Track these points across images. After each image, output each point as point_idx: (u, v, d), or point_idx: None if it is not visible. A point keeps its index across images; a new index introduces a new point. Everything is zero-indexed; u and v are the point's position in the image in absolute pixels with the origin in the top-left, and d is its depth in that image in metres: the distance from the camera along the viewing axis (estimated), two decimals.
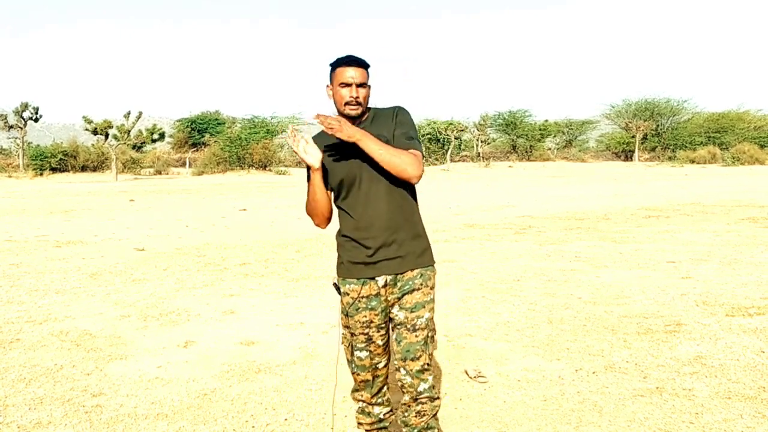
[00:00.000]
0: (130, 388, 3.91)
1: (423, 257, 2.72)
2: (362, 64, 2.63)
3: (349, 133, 2.52)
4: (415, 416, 2.70)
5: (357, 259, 2.69)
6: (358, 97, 2.61)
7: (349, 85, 2.60)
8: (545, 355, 4.42)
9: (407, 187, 2.70)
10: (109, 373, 4.17)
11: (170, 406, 3.65)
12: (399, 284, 2.68)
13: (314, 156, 2.62)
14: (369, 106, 2.73)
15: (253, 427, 3.39)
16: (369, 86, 2.68)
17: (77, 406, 3.64)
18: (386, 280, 2.68)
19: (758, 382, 3.87)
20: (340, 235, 2.76)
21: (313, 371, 4.19)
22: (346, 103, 2.62)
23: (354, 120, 2.65)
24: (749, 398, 3.64)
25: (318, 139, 2.74)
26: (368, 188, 2.64)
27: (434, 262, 2.79)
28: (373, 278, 2.68)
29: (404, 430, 2.76)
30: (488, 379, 4.00)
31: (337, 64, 2.64)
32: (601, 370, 4.13)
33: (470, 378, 4.02)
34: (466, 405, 3.65)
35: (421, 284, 2.69)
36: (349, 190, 2.67)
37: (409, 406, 2.71)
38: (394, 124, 2.68)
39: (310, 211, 2.77)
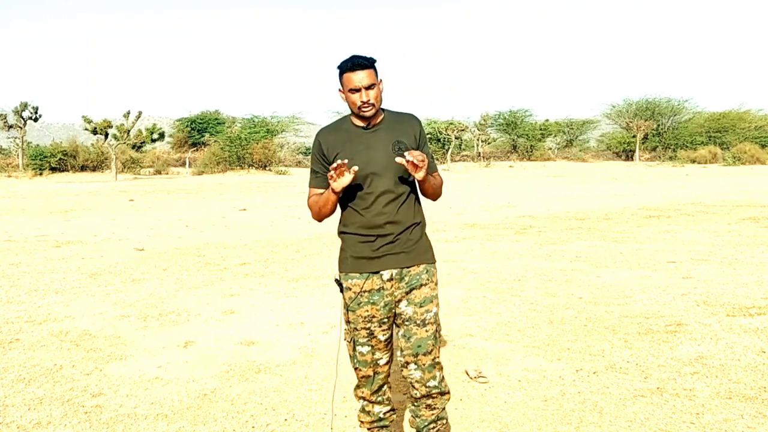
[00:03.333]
0: (130, 388, 3.90)
1: (427, 254, 2.81)
2: (366, 65, 2.65)
3: (423, 176, 2.66)
4: (426, 408, 2.76)
5: (362, 253, 2.74)
6: (369, 100, 2.66)
7: (358, 90, 2.64)
8: (546, 355, 4.42)
9: (413, 190, 2.79)
10: (109, 373, 4.17)
11: (170, 406, 3.64)
12: (406, 279, 2.74)
13: (345, 184, 2.63)
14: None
15: (253, 427, 3.38)
16: (380, 81, 2.70)
17: (77, 407, 3.63)
18: (392, 274, 2.73)
19: (759, 382, 3.86)
20: (344, 231, 2.81)
21: (313, 371, 4.18)
22: (359, 108, 2.67)
23: (369, 119, 2.71)
24: (750, 398, 3.63)
25: (331, 133, 2.79)
26: (378, 187, 2.70)
27: (435, 260, 2.87)
28: (377, 272, 2.73)
29: (416, 421, 2.80)
30: (489, 380, 3.99)
31: (342, 70, 2.67)
32: (601, 370, 4.12)
33: (471, 378, 4.02)
34: (467, 405, 3.64)
35: (428, 279, 2.77)
36: (359, 187, 2.71)
37: (417, 399, 2.76)
38: (419, 141, 2.78)
39: (316, 213, 2.82)
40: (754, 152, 43.14)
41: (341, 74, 2.68)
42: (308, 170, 2.97)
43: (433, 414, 2.76)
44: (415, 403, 2.79)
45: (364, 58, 2.67)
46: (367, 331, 2.76)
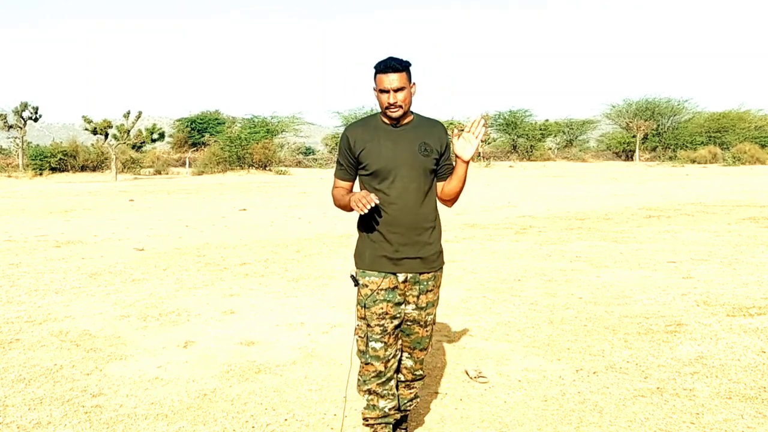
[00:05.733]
0: (130, 389, 3.90)
1: (438, 261, 2.96)
2: (398, 69, 2.75)
3: (474, 155, 2.81)
4: (405, 388, 3.10)
5: (380, 253, 2.85)
6: (396, 102, 2.77)
7: (387, 91, 2.75)
8: (546, 355, 4.42)
9: (433, 191, 2.93)
10: (109, 373, 4.17)
11: (170, 406, 3.64)
12: (418, 284, 2.90)
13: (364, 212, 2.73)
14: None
15: (253, 427, 3.38)
16: (413, 84, 2.81)
17: (77, 407, 3.63)
18: (407, 277, 2.88)
19: (759, 382, 3.87)
20: (363, 225, 2.90)
21: (313, 371, 4.18)
22: (386, 108, 2.79)
23: (397, 120, 2.82)
24: (750, 398, 3.63)
25: (359, 128, 2.89)
26: (400, 185, 2.81)
27: (444, 263, 3.02)
28: (394, 273, 2.85)
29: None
30: (489, 380, 3.99)
31: (376, 70, 2.79)
32: (601, 370, 4.12)
33: (471, 378, 4.02)
34: (467, 405, 3.64)
35: (433, 286, 2.96)
36: (381, 182, 2.82)
37: (400, 382, 3.08)
38: (445, 149, 2.90)
39: (338, 205, 2.95)
40: (754, 152, 43.11)
41: (375, 74, 2.79)
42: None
43: (411, 393, 3.13)
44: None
45: (398, 61, 2.76)
46: (381, 328, 2.85)
